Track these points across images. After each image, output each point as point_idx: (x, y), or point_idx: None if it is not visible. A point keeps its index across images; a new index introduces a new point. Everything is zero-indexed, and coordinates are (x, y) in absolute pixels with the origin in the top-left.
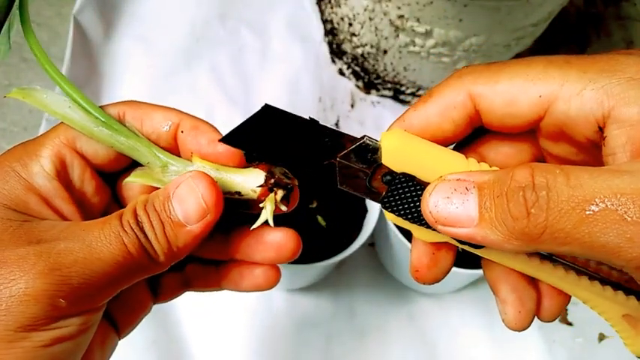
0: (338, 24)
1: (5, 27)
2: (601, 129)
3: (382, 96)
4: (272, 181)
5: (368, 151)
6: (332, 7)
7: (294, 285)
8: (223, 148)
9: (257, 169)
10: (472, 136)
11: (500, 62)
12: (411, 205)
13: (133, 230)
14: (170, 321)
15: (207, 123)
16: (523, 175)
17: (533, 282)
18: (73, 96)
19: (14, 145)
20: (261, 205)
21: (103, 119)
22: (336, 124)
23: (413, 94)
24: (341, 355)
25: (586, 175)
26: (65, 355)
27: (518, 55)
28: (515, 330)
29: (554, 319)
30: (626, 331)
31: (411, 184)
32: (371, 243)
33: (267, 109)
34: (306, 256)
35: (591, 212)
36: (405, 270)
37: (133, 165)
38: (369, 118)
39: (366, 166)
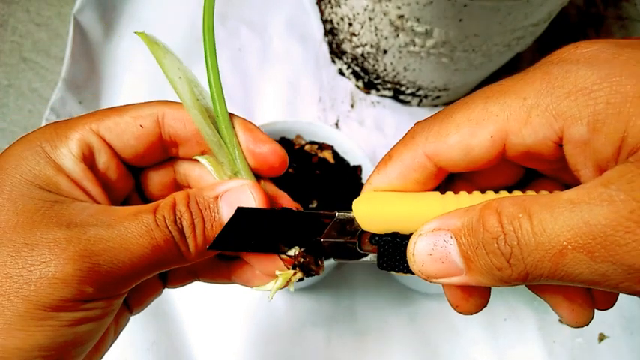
0: (338, 24)
1: None
2: (561, 146)
3: (382, 96)
4: (301, 260)
5: (345, 223)
6: (332, 7)
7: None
8: (268, 148)
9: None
10: None
11: (444, 110)
12: (404, 260)
13: (166, 225)
14: (170, 321)
15: (255, 125)
16: (492, 225)
17: None
18: (211, 80)
19: (45, 125)
20: (277, 272)
21: (206, 109)
22: (336, 124)
23: (413, 94)
24: (341, 355)
25: (547, 216)
26: (89, 333)
27: (520, 55)
28: (577, 327)
29: (613, 305)
30: None
31: (397, 241)
32: None
33: (240, 211)
34: None
35: (560, 256)
36: None
37: (161, 163)
38: (368, 118)
39: (349, 236)
